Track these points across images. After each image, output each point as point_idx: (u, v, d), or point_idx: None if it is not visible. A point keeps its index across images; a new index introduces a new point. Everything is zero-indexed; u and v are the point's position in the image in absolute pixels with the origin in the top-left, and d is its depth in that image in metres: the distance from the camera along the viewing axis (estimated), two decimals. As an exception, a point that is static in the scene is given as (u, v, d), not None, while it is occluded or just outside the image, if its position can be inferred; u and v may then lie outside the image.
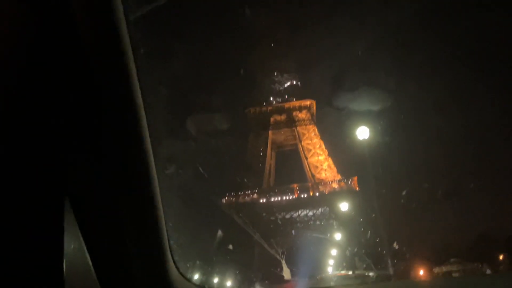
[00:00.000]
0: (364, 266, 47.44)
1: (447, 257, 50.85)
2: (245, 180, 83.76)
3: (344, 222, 68.99)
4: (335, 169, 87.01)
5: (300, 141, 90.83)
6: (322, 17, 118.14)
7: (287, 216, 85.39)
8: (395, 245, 48.85)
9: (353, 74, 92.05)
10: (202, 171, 56.64)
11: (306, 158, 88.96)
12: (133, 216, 2.12)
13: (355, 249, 55.86)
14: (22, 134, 1.54)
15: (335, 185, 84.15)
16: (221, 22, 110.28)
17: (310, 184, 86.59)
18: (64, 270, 1.57)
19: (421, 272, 45.12)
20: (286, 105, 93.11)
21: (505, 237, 48.90)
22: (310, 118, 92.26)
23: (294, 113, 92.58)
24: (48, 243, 1.56)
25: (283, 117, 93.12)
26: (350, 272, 43.80)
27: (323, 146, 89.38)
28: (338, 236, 65.25)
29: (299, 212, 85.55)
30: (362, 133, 37.04)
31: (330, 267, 65.02)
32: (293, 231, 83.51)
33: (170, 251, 2.47)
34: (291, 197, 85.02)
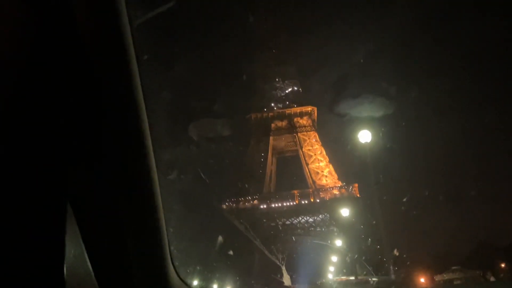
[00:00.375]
0: (365, 273, 47.23)
1: (448, 264, 50.64)
2: (246, 185, 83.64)
3: (344, 228, 68.78)
4: (336, 176, 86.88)
5: (301, 147, 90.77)
6: (323, 24, 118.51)
7: (288, 222, 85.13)
8: (396, 252, 48.59)
9: (354, 80, 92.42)
10: (203, 176, 56.62)
11: (307, 164, 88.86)
12: (134, 221, 2.12)
13: (356, 256, 55.63)
14: (24, 136, 1.54)
15: (335, 192, 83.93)
16: (223, 28, 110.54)
17: (310, 190, 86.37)
18: (65, 274, 1.57)
19: (422, 280, 44.86)
20: (287, 111, 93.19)
21: (506, 245, 48.66)
22: (311, 124, 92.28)
23: (295, 119, 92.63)
24: (49, 247, 1.56)
25: (284, 123, 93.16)
26: (352, 277, 43.59)
27: (324, 152, 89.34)
28: (338, 242, 64.98)
29: (300, 218, 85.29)
30: (364, 136, 36.95)
31: (331, 274, 64.76)
32: (293, 238, 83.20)
33: (171, 256, 2.47)
34: (291, 203, 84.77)
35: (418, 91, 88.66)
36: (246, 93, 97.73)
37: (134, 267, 2.15)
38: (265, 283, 66.26)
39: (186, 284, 2.72)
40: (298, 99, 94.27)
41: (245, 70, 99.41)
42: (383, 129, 57.88)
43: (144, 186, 2.11)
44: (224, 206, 79.95)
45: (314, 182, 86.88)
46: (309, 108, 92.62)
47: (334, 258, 66.79)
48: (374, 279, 40.32)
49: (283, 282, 70.94)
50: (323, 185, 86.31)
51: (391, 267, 42.91)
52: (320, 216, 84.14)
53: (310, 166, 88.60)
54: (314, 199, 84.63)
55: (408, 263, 49.22)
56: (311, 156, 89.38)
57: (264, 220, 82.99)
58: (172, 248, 2.46)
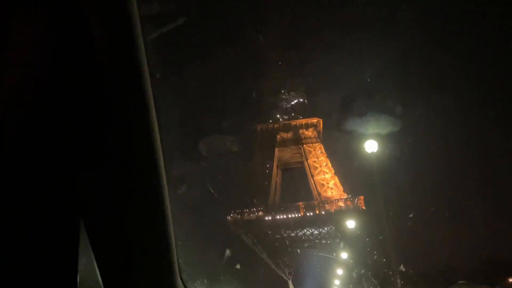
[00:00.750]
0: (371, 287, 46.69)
1: (455, 279, 49.88)
2: (251, 197, 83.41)
3: (350, 241, 68.17)
4: (341, 188, 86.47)
5: (307, 159, 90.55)
6: (330, 39, 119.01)
7: (293, 234, 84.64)
8: (402, 267, 48.06)
9: (361, 95, 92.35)
10: (212, 190, 56.55)
11: (312, 176, 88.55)
12: (143, 234, 2.13)
13: (362, 270, 55.07)
14: (36, 149, 1.57)
15: (341, 204, 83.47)
16: (230, 42, 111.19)
17: (316, 202, 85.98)
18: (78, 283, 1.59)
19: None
20: (293, 122, 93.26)
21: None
22: (316, 136, 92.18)
23: (300, 131, 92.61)
24: (62, 261, 1.58)
25: (289, 134, 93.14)
26: None
27: (330, 164, 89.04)
28: (344, 255, 64.40)
29: (305, 230, 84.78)
30: (370, 146, 36.85)
31: (336, 288, 64.12)
32: (298, 250, 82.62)
33: (179, 269, 2.47)
34: (296, 215, 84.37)
35: (424, 108, 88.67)
36: (252, 105, 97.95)
37: (142, 280, 2.16)
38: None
39: None
40: (303, 111, 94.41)
41: (251, 83, 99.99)
42: (388, 144, 57.71)
43: (155, 201, 2.13)
44: (230, 218, 79.72)
45: (319, 194, 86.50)
46: (314, 120, 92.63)
47: (340, 271, 66.15)
48: None
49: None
50: (328, 197, 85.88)
51: (398, 281, 42.41)
52: (326, 228, 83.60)
53: (315, 178, 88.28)
54: (320, 211, 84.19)
55: (414, 278, 48.64)
56: (317, 168, 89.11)
57: (269, 232, 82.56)
58: (180, 261, 2.47)
